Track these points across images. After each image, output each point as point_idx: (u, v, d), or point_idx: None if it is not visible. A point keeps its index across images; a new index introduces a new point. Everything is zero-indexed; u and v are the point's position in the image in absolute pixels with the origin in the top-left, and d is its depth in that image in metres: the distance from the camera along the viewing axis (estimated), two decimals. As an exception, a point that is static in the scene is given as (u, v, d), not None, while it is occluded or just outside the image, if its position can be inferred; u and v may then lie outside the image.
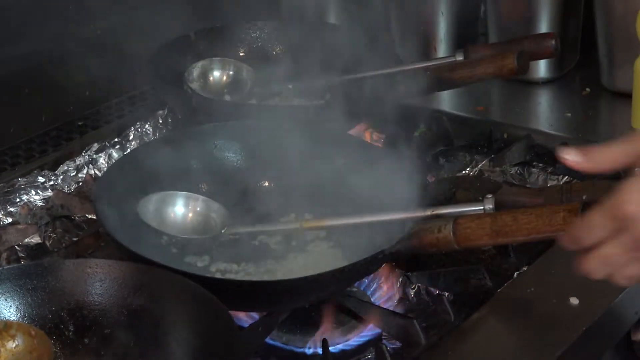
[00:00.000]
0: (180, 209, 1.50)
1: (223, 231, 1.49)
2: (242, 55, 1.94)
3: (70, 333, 1.31)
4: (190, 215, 1.50)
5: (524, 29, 1.92)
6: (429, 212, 1.36)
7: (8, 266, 1.35)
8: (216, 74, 1.89)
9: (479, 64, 1.63)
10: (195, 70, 1.87)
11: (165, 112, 1.87)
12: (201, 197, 1.52)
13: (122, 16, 1.97)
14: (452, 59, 1.71)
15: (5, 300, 1.30)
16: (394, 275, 1.45)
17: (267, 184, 1.61)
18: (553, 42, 1.67)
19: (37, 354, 1.26)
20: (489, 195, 1.34)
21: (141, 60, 1.84)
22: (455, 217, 1.32)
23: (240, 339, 1.21)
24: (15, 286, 1.31)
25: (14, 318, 1.29)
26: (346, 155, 1.55)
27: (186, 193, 1.52)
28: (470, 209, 1.34)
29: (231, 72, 1.89)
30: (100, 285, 1.32)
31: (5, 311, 1.30)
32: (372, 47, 1.89)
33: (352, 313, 1.39)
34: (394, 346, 1.35)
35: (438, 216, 1.35)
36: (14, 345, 1.26)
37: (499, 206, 1.33)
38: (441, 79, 1.66)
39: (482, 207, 1.34)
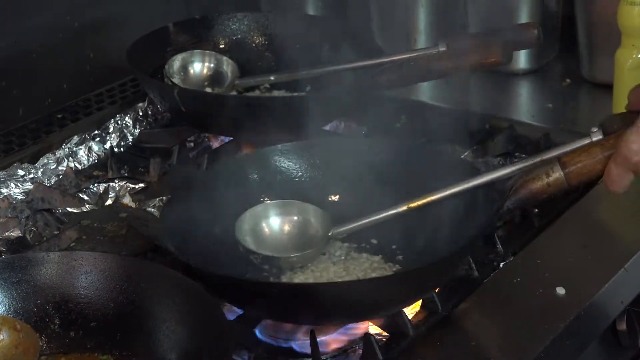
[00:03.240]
0: (276, 222, 1.45)
1: (330, 234, 1.43)
2: (223, 48, 1.92)
3: (56, 326, 1.30)
4: (288, 227, 1.46)
5: (504, 20, 1.92)
6: (537, 160, 1.33)
7: (-7, 259, 1.33)
8: (196, 66, 1.88)
9: (463, 54, 1.63)
10: (176, 62, 1.86)
11: (145, 105, 1.86)
12: (296, 202, 1.47)
13: (100, 8, 1.96)
14: (435, 50, 1.70)
15: (-10, 293, 1.29)
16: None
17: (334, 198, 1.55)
18: (536, 31, 1.67)
19: (23, 348, 1.25)
20: (594, 129, 1.30)
21: (120, 53, 1.83)
22: (559, 157, 1.30)
23: (229, 330, 1.20)
24: (0, 280, 1.29)
25: (-1, 312, 1.29)
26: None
27: (281, 201, 1.47)
28: (576, 146, 1.31)
29: (212, 65, 1.88)
30: (86, 278, 1.31)
31: (-11, 305, 1.29)
32: (353, 39, 1.89)
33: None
34: (381, 337, 1.35)
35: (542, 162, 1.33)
36: (-1, 339, 1.25)
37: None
38: (424, 69, 1.66)
39: (588, 140, 1.30)
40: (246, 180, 1.52)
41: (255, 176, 1.52)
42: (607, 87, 1.84)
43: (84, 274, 1.30)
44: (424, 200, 1.39)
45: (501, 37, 1.66)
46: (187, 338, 1.23)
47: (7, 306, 1.29)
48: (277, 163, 1.54)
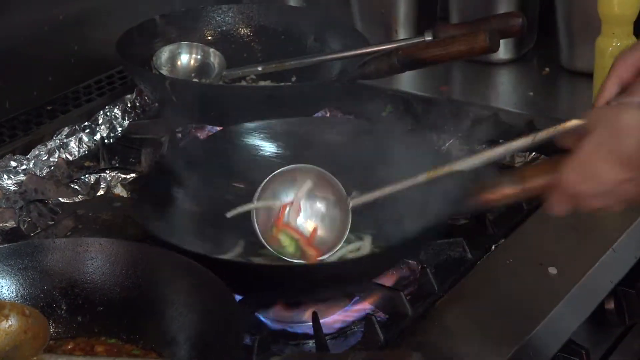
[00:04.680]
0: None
1: (350, 205, 1.46)
2: (209, 39, 1.94)
3: (63, 312, 1.31)
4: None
5: (484, 10, 1.95)
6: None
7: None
8: (184, 58, 1.90)
9: (451, 43, 1.65)
10: (163, 54, 1.88)
11: (134, 96, 1.88)
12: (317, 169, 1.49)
13: (84, 1, 1.97)
14: (421, 40, 1.73)
15: (-3, 280, 1.31)
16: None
17: None
18: (520, 20, 1.71)
19: (32, 333, 1.26)
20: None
21: (105, 45, 1.84)
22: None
23: (237, 310, 1.22)
24: (6, 266, 1.31)
25: (6, 298, 1.30)
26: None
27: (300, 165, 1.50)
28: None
29: (199, 57, 1.90)
30: (92, 264, 1.32)
31: (-4, 292, 1.30)
32: (338, 29, 1.92)
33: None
34: (381, 319, 1.38)
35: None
36: (7, 325, 1.26)
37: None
38: (413, 58, 1.68)
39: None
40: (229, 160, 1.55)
41: (232, 156, 1.55)
42: (586, 76, 1.88)
43: (90, 259, 1.32)
44: (444, 170, 1.40)
45: (486, 26, 1.69)
46: (195, 320, 1.24)
47: (14, 292, 1.30)
48: (249, 142, 1.57)
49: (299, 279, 1.35)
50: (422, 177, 1.41)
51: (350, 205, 1.46)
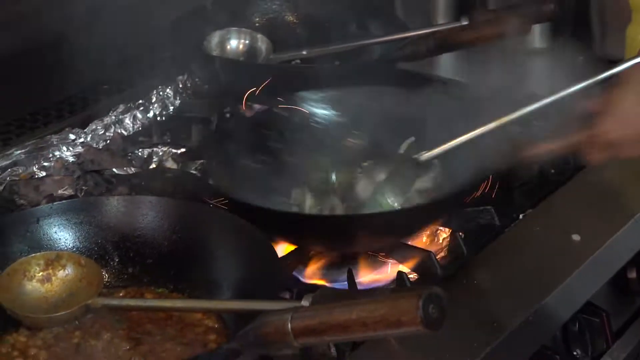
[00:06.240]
0: None
1: (422, 160, 1.55)
2: (257, 26, 2.04)
3: (115, 263, 1.42)
4: None
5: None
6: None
7: (58, 202, 1.45)
8: (233, 43, 2.00)
9: (484, 27, 1.74)
10: (213, 39, 1.98)
11: (185, 77, 1.98)
12: None
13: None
14: (458, 24, 1.82)
15: (55, 233, 1.41)
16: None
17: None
18: (552, 6, 1.79)
19: (87, 281, 1.36)
20: None
21: (160, 30, 1.95)
22: None
23: (277, 260, 1.31)
24: (64, 220, 1.42)
25: (63, 250, 1.40)
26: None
27: None
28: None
29: (247, 41, 2.00)
30: (143, 220, 1.42)
31: (55, 243, 1.41)
32: (378, 16, 2.01)
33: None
34: (412, 277, 1.46)
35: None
36: (65, 274, 1.37)
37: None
38: (448, 41, 1.77)
39: None
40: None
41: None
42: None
43: (141, 215, 1.42)
44: (515, 115, 1.50)
45: (520, 11, 1.78)
46: (238, 270, 1.34)
47: (71, 244, 1.41)
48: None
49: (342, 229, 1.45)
50: (493, 124, 1.49)
51: (422, 159, 1.54)
